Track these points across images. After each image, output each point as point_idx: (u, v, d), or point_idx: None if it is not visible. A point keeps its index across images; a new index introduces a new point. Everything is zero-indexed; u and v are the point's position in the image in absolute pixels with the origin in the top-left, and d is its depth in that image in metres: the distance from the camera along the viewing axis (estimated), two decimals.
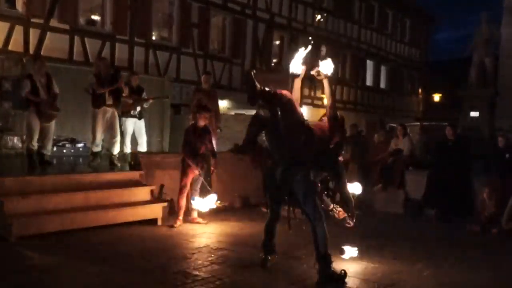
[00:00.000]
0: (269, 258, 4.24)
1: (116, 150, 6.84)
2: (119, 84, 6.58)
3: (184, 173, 5.89)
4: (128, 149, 7.43)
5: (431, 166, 7.60)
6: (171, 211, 6.33)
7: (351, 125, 9.05)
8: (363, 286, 3.83)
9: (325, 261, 3.81)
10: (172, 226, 5.71)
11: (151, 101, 7.63)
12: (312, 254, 3.95)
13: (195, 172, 5.84)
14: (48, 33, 9.92)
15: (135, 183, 6.25)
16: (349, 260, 4.47)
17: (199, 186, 5.99)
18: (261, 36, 15.06)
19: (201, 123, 5.91)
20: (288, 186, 3.89)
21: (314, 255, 3.88)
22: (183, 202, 5.91)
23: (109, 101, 6.55)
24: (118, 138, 6.84)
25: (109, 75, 6.60)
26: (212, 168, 5.97)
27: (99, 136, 6.71)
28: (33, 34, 9.72)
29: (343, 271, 3.89)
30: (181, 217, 5.86)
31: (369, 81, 20.75)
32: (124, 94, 6.90)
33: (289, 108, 3.90)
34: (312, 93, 17.60)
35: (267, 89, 3.81)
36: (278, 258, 4.35)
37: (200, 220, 6.02)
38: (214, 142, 6.55)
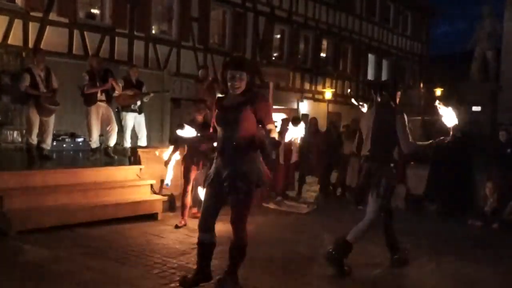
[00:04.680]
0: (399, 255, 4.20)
1: (112, 142, 6.83)
2: (108, 86, 6.59)
3: (186, 170, 5.65)
4: (128, 143, 7.41)
5: (432, 160, 7.56)
6: (172, 206, 6.31)
7: (352, 120, 9.01)
8: (365, 280, 3.81)
9: (345, 247, 3.83)
10: (177, 226, 5.51)
11: (151, 95, 7.58)
12: (313, 250, 3.93)
13: (197, 169, 5.63)
14: (47, 27, 9.86)
15: (134, 178, 6.23)
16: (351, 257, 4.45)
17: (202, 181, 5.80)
18: (262, 29, 14.97)
19: (199, 117, 5.64)
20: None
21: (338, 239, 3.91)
22: (187, 200, 5.63)
23: (102, 98, 6.61)
24: (116, 131, 6.82)
25: (102, 71, 6.61)
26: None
27: (96, 133, 6.74)
28: (33, 27, 9.65)
29: (347, 268, 3.87)
30: (186, 217, 5.59)
31: (370, 75, 20.65)
32: (117, 92, 6.86)
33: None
34: (313, 87, 17.54)
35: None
36: (278, 253, 4.33)
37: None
38: None
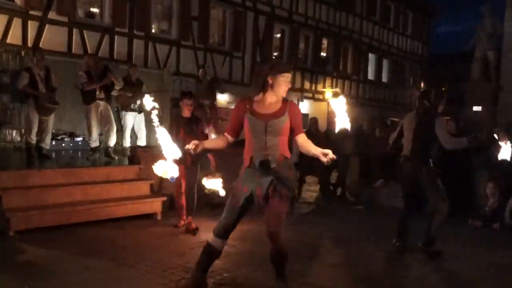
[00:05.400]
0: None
1: (112, 142, 6.81)
2: (107, 80, 6.54)
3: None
4: (127, 143, 7.39)
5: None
6: (171, 206, 6.28)
7: (352, 120, 8.98)
8: (364, 279, 3.79)
9: (433, 242, 4.57)
10: (176, 226, 5.43)
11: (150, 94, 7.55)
12: (313, 250, 3.91)
13: (186, 167, 5.20)
14: (46, 25, 9.85)
15: (134, 177, 6.22)
16: (351, 257, 4.43)
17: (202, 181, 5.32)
18: (262, 29, 14.95)
19: (186, 112, 5.30)
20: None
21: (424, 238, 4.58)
22: (182, 201, 5.43)
23: (100, 96, 6.58)
24: (114, 131, 6.80)
25: (99, 71, 6.59)
26: (212, 164, 5.52)
27: (95, 132, 6.72)
28: (32, 26, 9.64)
29: (441, 250, 4.53)
30: (185, 218, 5.43)
31: (371, 75, 20.65)
32: (117, 87, 6.82)
33: None
34: (313, 87, 17.53)
35: None
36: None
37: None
38: (214, 136, 6.39)
